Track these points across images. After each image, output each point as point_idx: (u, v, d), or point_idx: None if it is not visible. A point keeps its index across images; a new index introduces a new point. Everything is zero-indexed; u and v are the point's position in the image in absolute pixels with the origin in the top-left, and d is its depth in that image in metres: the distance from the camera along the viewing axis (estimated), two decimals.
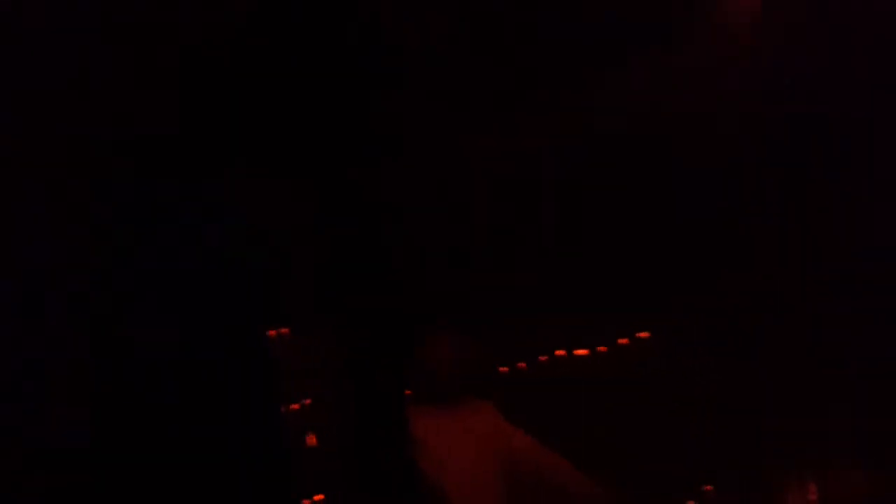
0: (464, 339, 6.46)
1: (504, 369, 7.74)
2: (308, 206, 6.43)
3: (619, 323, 8.00)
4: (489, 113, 7.31)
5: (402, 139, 6.64)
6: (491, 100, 7.25)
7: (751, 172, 7.77)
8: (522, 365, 7.61)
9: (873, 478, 7.36)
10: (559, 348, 7.91)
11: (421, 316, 6.53)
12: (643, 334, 7.97)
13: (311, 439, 6.29)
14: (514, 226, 7.77)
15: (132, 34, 6.25)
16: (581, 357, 7.91)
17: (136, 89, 6.28)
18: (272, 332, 5.97)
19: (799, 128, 7.64)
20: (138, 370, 6.00)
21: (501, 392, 7.19)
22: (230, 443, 6.06)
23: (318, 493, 6.22)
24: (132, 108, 6.31)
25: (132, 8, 6.05)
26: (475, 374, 6.47)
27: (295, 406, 6.33)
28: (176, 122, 6.66)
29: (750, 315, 7.88)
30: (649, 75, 7.42)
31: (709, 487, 7.57)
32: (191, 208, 6.40)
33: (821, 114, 7.54)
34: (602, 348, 7.93)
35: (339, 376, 5.82)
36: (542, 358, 7.78)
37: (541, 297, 7.68)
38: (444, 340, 6.38)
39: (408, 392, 6.28)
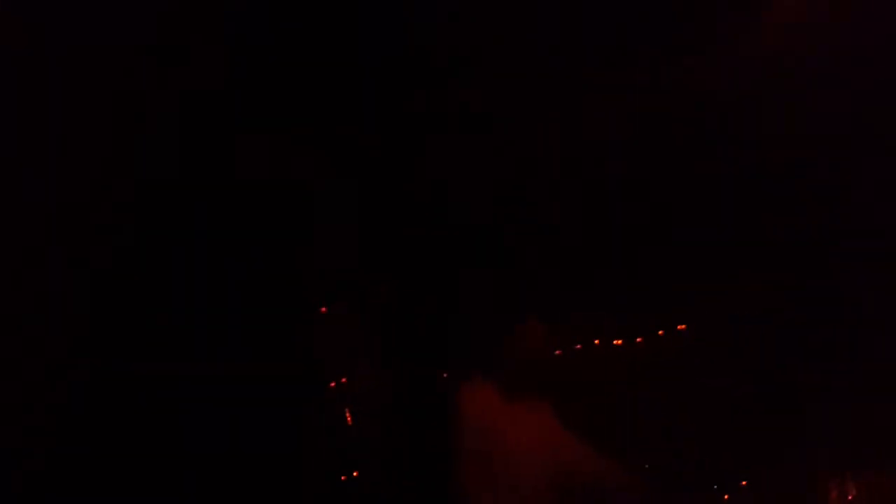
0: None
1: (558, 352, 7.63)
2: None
3: (659, 316, 7.89)
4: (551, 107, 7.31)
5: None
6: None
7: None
8: (559, 352, 7.48)
9: None
10: (597, 338, 7.79)
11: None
12: (681, 327, 7.84)
13: (348, 417, 6.23)
14: (561, 221, 7.68)
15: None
16: (617, 347, 7.78)
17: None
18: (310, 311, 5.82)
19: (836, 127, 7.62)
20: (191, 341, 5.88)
21: (552, 373, 7.13)
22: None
23: (354, 470, 6.16)
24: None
25: None
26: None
27: (331, 384, 6.23)
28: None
29: (789, 312, 7.79)
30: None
31: (744, 483, 7.46)
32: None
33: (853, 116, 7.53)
34: (639, 339, 7.80)
35: (375, 356, 5.79)
36: (578, 346, 7.65)
37: (584, 290, 7.61)
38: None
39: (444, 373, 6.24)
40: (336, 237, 6.26)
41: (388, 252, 6.13)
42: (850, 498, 7.33)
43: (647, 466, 7.27)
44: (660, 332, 7.86)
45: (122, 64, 6.47)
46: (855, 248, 7.68)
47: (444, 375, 6.28)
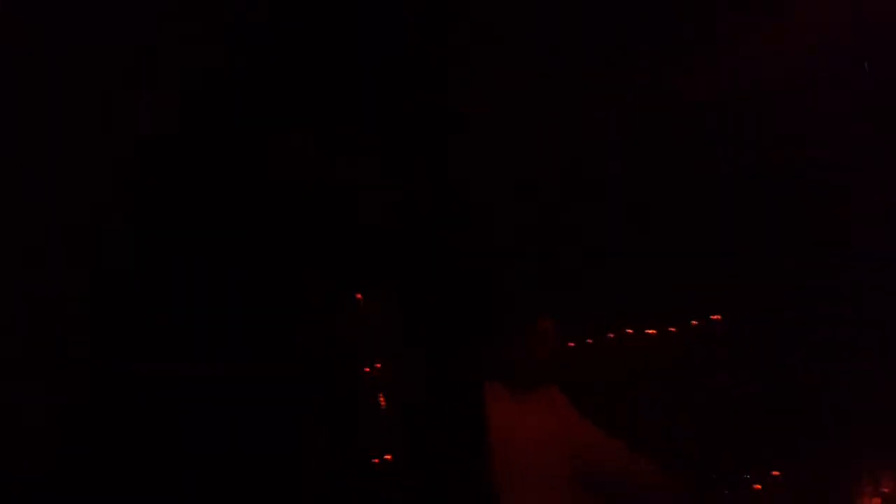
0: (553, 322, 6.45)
1: (571, 344, 7.65)
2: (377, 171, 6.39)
3: (693, 305, 7.90)
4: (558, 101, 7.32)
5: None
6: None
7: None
8: (590, 340, 7.50)
9: None
10: (629, 327, 7.81)
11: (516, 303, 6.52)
12: (716, 317, 7.85)
13: (381, 401, 6.23)
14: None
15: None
16: (650, 336, 7.80)
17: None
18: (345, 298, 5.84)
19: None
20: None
21: (568, 368, 7.12)
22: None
23: (387, 453, 6.17)
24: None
25: None
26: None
27: (366, 368, 6.24)
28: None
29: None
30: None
31: (776, 473, 7.46)
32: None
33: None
34: (672, 328, 7.82)
35: (406, 341, 5.81)
36: (610, 335, 7.68)
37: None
38: (550, 326, 6.39)
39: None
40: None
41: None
42: (886, 490, 7.32)
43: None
44: (693, 323, 7.89)
45: (122, 64, 6.47)
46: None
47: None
